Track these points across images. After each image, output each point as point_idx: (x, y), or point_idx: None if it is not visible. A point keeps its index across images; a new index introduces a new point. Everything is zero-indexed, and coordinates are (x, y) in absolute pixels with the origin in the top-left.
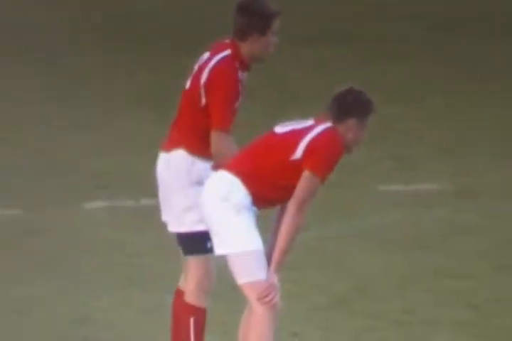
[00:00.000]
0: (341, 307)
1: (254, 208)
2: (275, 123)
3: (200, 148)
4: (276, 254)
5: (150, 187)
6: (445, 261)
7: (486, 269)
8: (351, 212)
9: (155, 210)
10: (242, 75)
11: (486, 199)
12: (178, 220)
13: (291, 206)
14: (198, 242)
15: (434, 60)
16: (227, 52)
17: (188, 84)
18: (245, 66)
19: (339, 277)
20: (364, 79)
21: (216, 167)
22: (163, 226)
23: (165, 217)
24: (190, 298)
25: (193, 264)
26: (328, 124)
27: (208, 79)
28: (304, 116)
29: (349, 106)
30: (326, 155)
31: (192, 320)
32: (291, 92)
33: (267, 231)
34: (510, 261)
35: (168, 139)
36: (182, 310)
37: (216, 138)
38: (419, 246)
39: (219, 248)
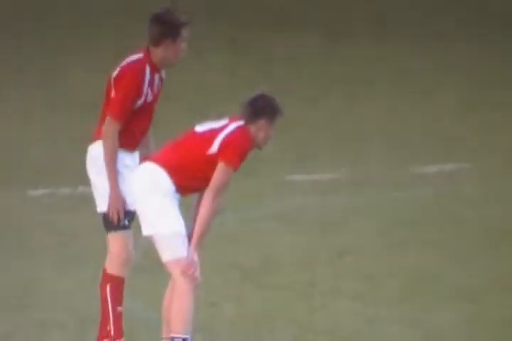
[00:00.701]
0: (252, 281)
1: (178, 195)
2: (195, 122)
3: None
4: (195, 236)
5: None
6: (345, 239)
7: (380, 246)
8: (262, 198)
9: (91, 196)
10: (151, 76)
11: (377, 186)
12: (99, 201)
13: (208, 193)
14: (110, 220)
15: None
16: (139, 55)
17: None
18: (156, 68)
19: (251, 254)
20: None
21: (144, 159)
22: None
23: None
24: (109, 268)
25: (110, 240)
26: (240, 123)
27: (117, 75)
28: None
29: (260, 109)
30: (237, 149)
31: (109, 286)
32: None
33: (189, 216)
34: (402, 239)
35: (96, 131)
36: (102, 279)
37: (107, 123)
38: (322, 228)
39: (147, 229)
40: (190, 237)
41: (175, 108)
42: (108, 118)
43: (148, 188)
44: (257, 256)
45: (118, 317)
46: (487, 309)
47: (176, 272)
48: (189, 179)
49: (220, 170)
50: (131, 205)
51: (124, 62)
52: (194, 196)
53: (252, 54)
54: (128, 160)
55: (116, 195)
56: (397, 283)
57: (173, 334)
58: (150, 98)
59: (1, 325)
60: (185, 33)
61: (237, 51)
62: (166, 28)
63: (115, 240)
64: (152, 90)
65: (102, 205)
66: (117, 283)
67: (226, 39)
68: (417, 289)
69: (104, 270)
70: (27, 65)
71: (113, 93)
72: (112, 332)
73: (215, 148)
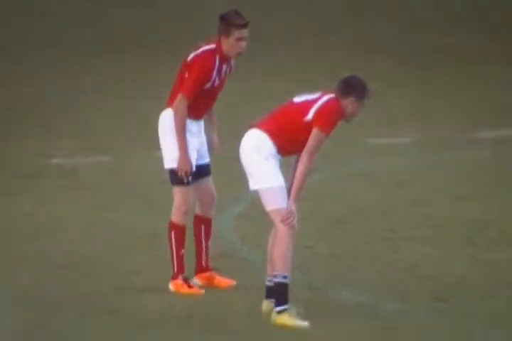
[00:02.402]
0: (341, 227)
1: (279, 156)
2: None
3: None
4: (293, 190)
5: None
6: (417, 193)
7: (447, 199)
8: (348, 159)
9: None
10: (220, 65)
11: (443, 148)
12: (165, 159)
13: (304, 155)
14: (175, 176)
15: None
16: (212, 46)
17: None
18: (224, 58)
19: (340, 205)
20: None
21: (250, 126)
22: None
23: None
24: (173, 217)
25: (175, 193)
26: (332, 95)
27: (191, 60)
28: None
29: (351, 88)
30: (328, 117)
31: (173, 233)
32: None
33: (288, 174)
34: (464, 192)
35: (168, 101)
36: (168, 227)
37: (179, 99)
38: (398, 183)
39: (253, 184)
40: (289, 191)
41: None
42: (180, 95)
43: (253, 150)
44: (345, 207)
45: (180, 258)
46: None
47: (277, 220)
48: (288, 143)
49: (314, 135)
50: (192, 165)
51: (199, 50)
52: (292, 158)
53: None
54: (194, 127)
55: (185, 158)
56: (462, 229)
57: (276, 272)
58: (217, 82)
59: (130, 263)
60: (239, 33)
61: None
62: (221, 25)
63: (178, 193)
64: (220, 76)
65: (167, 162)
66: (180, 230)
67: None
68: (479, 235)
69: (170, 220)
70: None
71: (186, 75)
72: (175, 270)
73: (310, 116)
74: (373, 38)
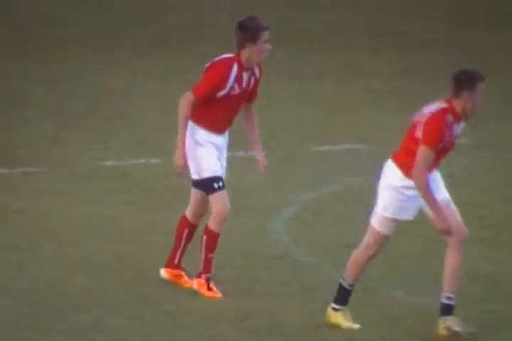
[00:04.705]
0: (397, 229)
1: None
2: None
3: (200, 119)
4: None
5: None
6: (469, 194)
7: (497, 200)
8: None
9: None
10: (239, 73)
11: (493, 149)
12: (191, 171)
13: (413, 171)
14: (205, 185)
15: None
16: (230, 55)
17: None
18: (243, 67)
19: None
20: None
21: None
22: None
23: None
24: (211, 225)
25: (212, 201)
26: (437, 106)
27: (208, 66)
28: None
29: (459, 83)
30: (430, 132)
31: (205, 238)
32: None
33: None
34: None
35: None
36: (203, 232)
37: (185, 95)
38: (451, 184)
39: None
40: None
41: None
42: (188, 92)
43: (386, 182)
44: None
45: (209, 261)
46: None
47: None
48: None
49: (419, 151)
50: (218, 172)
51: (217, 58)
52: None
53: None
54: (219, 141)
55: (181, 153)
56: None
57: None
58: (237, 91)
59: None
60: (264, 35)
61: None
62: (247, 32)
63: (214, 200)
64: (240, 85)
65: (193, 174)
66: (214, 237)
67: None
68: None
69: (206, 225)
70: None
71: (201, 77)
72: (202, 269)
73: (419, 132)
74: None
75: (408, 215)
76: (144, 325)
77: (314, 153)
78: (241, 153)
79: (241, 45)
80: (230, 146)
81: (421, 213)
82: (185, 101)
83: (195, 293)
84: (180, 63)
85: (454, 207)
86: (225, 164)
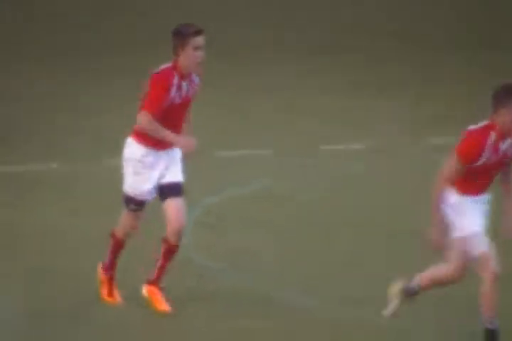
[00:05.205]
0: None
1: (471, 199)
2: None
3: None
4: None
5: None
6: None
7: None
8: None
9: None
10: (179, 81)
11: None
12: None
13: (437, 179)
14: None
15: None
16: (168, 64)
17: None
18: (182, 75)
19: None
20: None
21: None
22: None
23: None
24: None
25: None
26: (480, 124)
27: (149, 79)
28: None
29: (495, 100)
30: (464, 144)
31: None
32: None
33: None
34: None
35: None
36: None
37: (141, 114)
38: None
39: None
40: None
41: None
42: (141, 111)
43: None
44: None
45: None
46: None
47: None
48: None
49: (449, 159)
50: (140, 196)
51: (156, 69)
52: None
53: None
54: (149, 157)
55: (181, 139)
56: None
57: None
58: (178, 100)
59: None
60: (194, 41)
61: None
62: (176, 38)
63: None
64: (180, 94)
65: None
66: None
67: None
68: None
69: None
70: None
71: (146, 93)
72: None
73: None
74: None
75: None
76: None
77: (217, 158)
78: None
79: (174, 52)
80: None
81: None
82: (146, 118)
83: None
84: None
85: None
86: (175, 167)
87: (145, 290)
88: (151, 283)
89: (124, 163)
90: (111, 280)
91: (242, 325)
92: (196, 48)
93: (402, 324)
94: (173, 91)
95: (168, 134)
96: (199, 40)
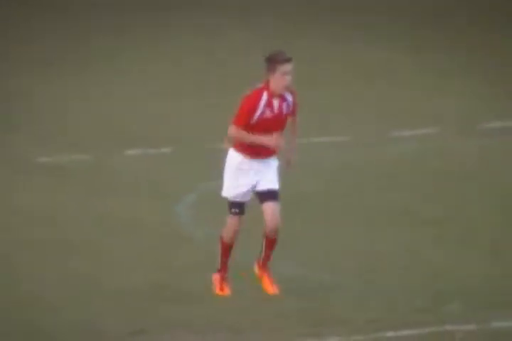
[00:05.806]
0: None
1: None
2: None
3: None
4: None
5: None
6: None
7: None
8: None
9: None
10: (268, 99)
11: None
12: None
13: None
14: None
15: None
16: (260, 85)
17: None
18: (272, 94)
19: None
20: None
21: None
22: None
23: None
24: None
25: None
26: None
27: (242, 98)
28: None
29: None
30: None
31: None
32: None
33: None
34: None
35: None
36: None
37: (229, 128)
38: None
39: None
40: None
41: None
42: (230, 125)
43: None
44: None
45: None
46: None
47: None
48: None
49: None
50: (237, 198)
51: (249, 90)
52: None
53: None
54: (244, 165)
55: (268, 139)
56: None
57: None
58: (268, 114)
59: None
60: (283, 67)
61: None
62: (268, 64)
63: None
64: (271, 109)
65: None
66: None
67: None
68: None
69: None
70: None
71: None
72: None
73: None
74: None
75: None
76: None
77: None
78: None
79: (266, 75)
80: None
81: None
82: (233, 129)
83: None
84: None
85: None
86: (270, 175)
87: (256, 270)
88: (260, 266)
89: (225, 170)
90: (222, 278)
91: None
92: (284, 73)
93: None
94: (261, 108)
95: (256, 137)
96: (288, 66)
